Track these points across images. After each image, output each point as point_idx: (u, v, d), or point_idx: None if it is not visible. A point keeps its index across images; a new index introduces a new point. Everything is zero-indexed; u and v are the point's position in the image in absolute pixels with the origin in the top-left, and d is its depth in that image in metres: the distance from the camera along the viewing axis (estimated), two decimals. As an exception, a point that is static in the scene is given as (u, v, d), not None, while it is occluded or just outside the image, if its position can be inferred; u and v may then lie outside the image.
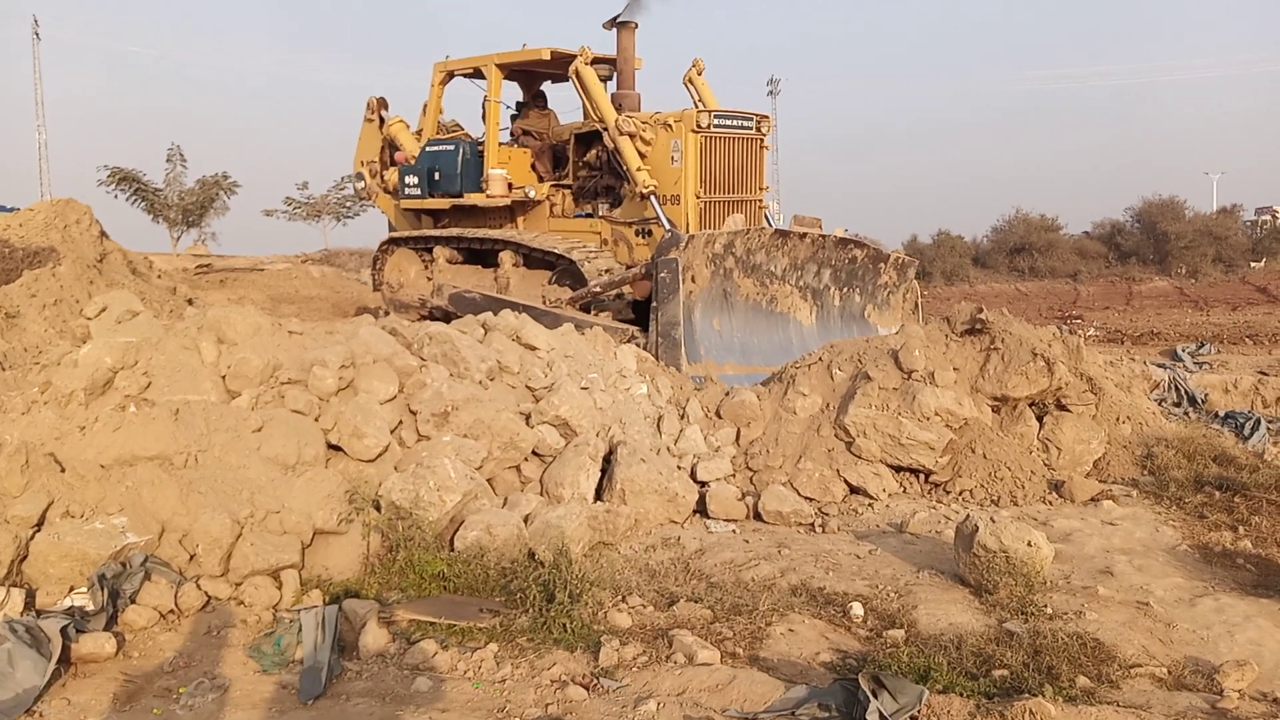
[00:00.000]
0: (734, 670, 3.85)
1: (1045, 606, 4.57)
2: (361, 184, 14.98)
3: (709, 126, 10.85)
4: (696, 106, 11.67)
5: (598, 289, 10.54)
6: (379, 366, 6.03)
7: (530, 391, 6.81)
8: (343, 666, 3.98)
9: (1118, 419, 7.48)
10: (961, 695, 3.49)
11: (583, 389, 6.92)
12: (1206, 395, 10.52)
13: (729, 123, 11.17)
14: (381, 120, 14.26)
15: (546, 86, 13.49)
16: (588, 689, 3.76)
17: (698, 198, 10.89)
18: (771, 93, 55.47)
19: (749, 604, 4.59)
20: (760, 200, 11.74)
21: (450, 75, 13.18)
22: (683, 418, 7.54)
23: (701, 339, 9.68)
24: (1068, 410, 7.27)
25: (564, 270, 11.33)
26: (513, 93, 13.53)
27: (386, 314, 12.87)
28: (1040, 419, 7.28)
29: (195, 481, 4.80)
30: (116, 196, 37.97)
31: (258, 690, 3.78)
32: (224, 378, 5.61)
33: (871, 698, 3.36)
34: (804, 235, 10.60)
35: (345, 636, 4.20)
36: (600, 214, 11.85)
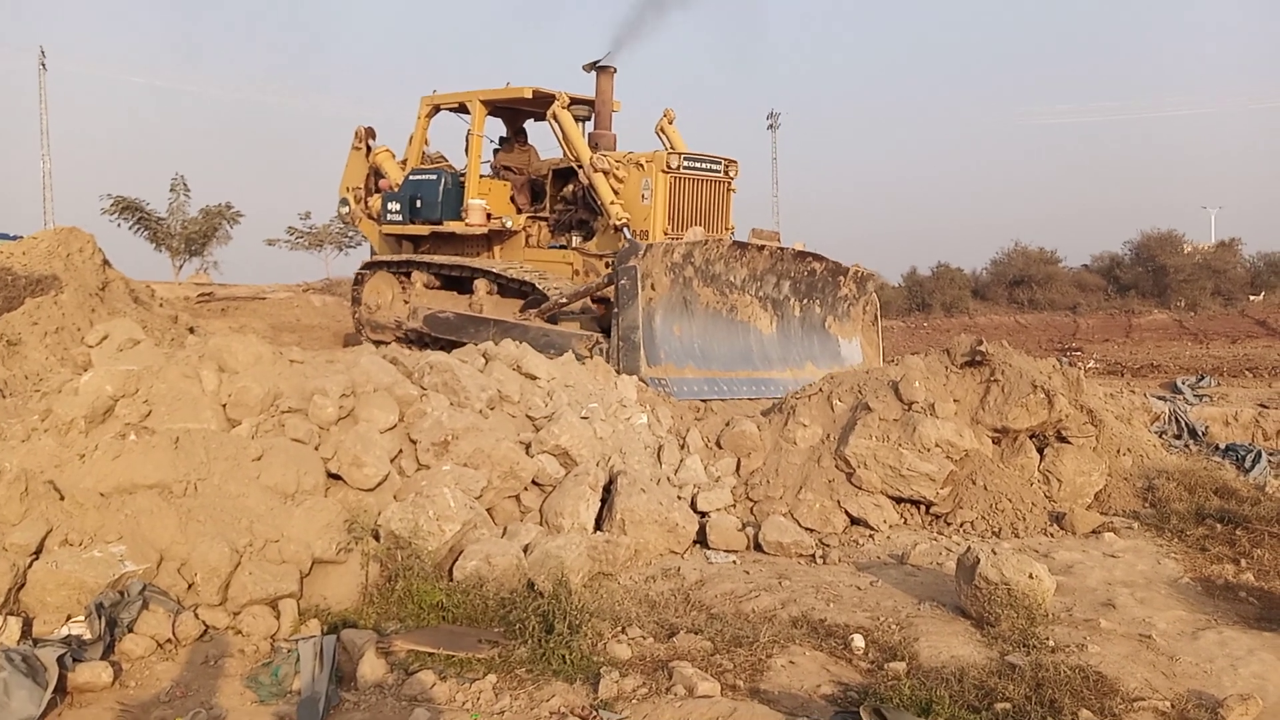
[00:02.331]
0: (734, 702, 3.82)
1: (1047, 639, 4.54)
2: (346, 209, 15.46)
3: (678, 168, 11.43)
4: (667, 149, 12.15)
5: (564, 300, 10.91)
6: (379, 395, 6.03)
7: (530, 421, 6.81)
8: (340, 697, 3.95)
9: (1118, 451, 7.48)
10: (963, 729, 3.47)
11: (583, 418, 6.92)
12: (1207, 428, 10.52)
13: (698, 165, 11.74)
14: (368, 149, 14.73)
15: (529, 124, 13.97)
16: (587, 721, 3.73)
17: (666, 234, 11.24)
18: (771, 126, 55.88)
19: (749, 635, 4.57)
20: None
21: (436, 109, 13.69)
22: (683, 448, 7.53)
23: (661, 343, 9.97)
24: (1068, 442, 7.26)
25: (534, 300, 11.66)
26: (497, 129, 14.02)
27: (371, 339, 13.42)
28: (1041, 451, 7.27)
29: (194, 510, 4.79)
30: (120, 225, 38.16)
31: (254, 721, 3.75)
32: (224, 406, 5.62)
33: (873, 731, 3.34)
34: (762, 247, 10.98)
35: (343, 667, 4.17)
36: (573, 245, 12.26)
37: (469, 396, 6.52)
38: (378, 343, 13.08)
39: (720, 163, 12.05)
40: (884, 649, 4.53)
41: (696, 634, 4.59)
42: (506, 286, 12.09)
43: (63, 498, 4.69)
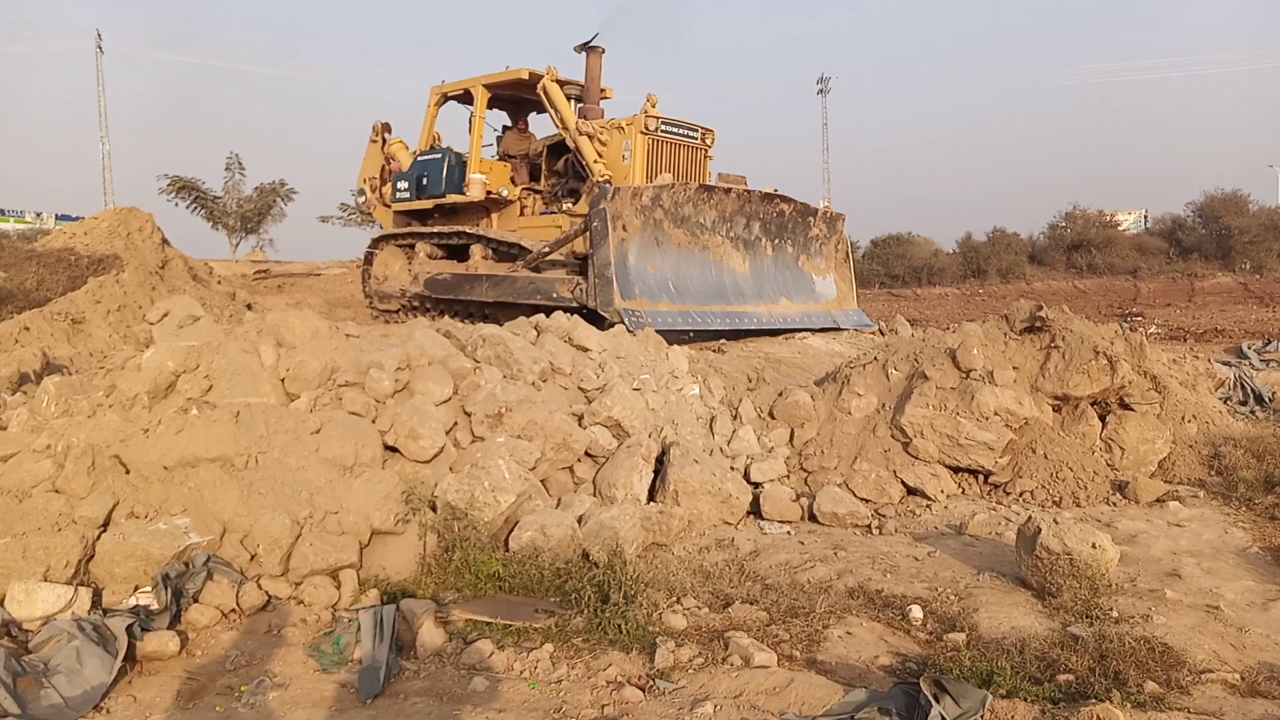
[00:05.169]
0: (791, 673, 3.80)
1: (1111, 610, 4.46)
2: (363, 199, 16.51)
3: (656, 130, 12.24)
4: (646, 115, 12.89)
5: (546, 249, 11.72)
6: (434, 369, 6.07)
7: (583, 393, 6.82)
8: (400, 666, 4.00)
9: (1183, 418, 7.30)
10: (1026, 700, 3.42)
11: (635, 390, 6.91)
12: (1274, 393, 10.23)
13: (675, 130, 12.57)
14: (384, 141, 15.75)
15: (531, 118, 14.98)
16: (644, 690, 3.74)
17: None
18: (821, 91, 55.22)
19: (805, 606, 4.54)
20: None
21: (445, 98, 14.66)
22: (735, 418, 7.50)
23: (636, 279, 10.67)
24: (1131, 409, 7.11)
25: (521, 255, 12.51)
26: (503, 120, 15.15)
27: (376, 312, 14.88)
28: (1103, 418, 7.12)
29: (255, 483, 4.87)
30: (177, 205, 38.98)
31: (317, 689, 3.81)
32: (283, 380, 5.69)
33: (933, 702, 3.30)
34: (729, 190, 11.77)
35: (403, 636, 4.23)
36: (563, 210, 13.02)
37: (522, 369, 6.54)
38: (384, 312, 14.56)
39: (697, 130, 12.86)
40: (943, 620, 4.48)
41: (752, 604, 4.58)
42: (500, 250, 12.94)
43: (128, 471, 4.79)
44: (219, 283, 14.79)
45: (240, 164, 40.53)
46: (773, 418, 7.51)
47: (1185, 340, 16.89)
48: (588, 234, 10.75)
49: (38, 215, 52.24)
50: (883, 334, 13.16)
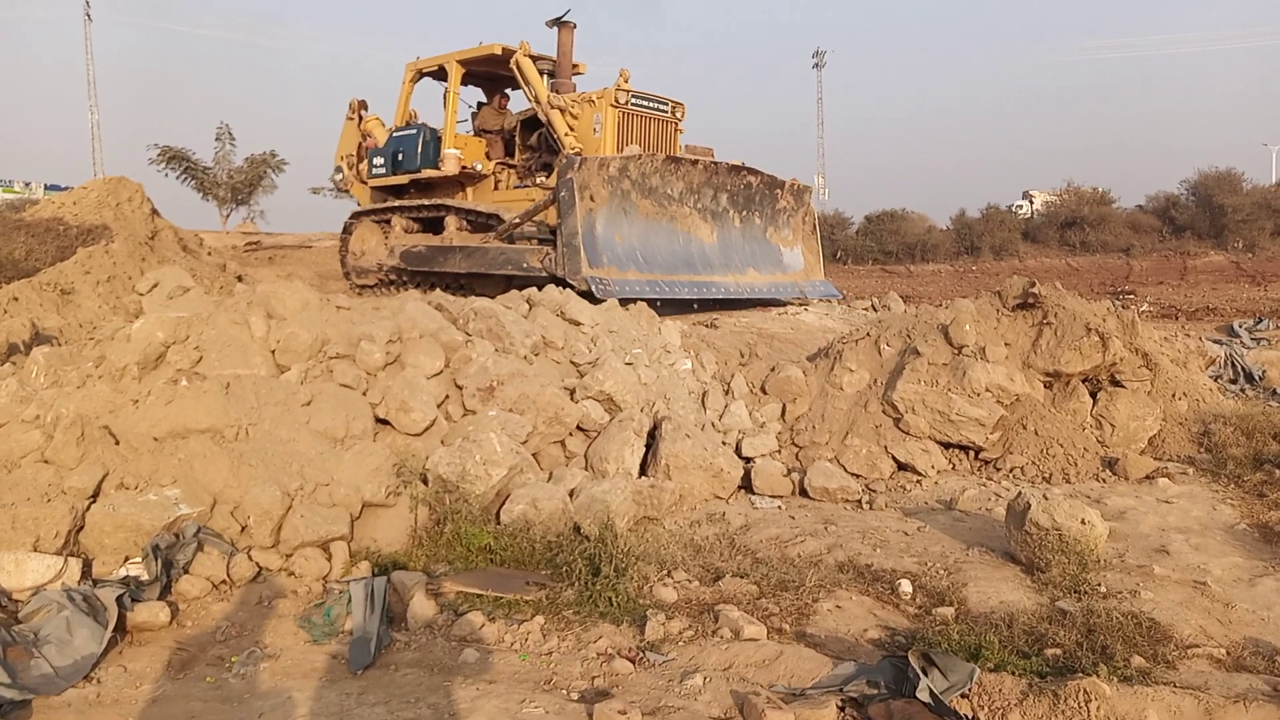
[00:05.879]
0: (781, 646, 3.82)
1: (1099, 585, 4.49)
2: (339, 176, 16.60)
3: (626, 103, 12.29)
4: (616, 88, 12.87)
5: (517, 220, 11.82)
6: (425, 341, 6.05)
7: (575, 367, 6.81)
8: (392, 637, 4.01)
9: (1173, 395, 7.32)
10: (1013, 674, 3.43)
11: (627, 364, 6.90)
12: (1264, 371, 10.27)
13: (645, 103, 12.63)
14: (360, 119, 15.74)
15: (512, 93, 14.92)
16: (634, 662, 3.75)
17: None
18: (817, 65, 54.98)
19: (795, 580, 4.56)
20: None
21: (420, 74, 14.65)
22: (728, 393, 7.50)
23: (604, 248, 10.74)
24: (1122, 386, 7.12)
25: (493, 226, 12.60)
26: (479, 96, 15.15)
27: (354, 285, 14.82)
28: (1094, 395, 7.14)
29: (246, 454, 4.86)
30: (167, 175, 38.54)
31: (308, 660, 3.82)
32: (273, 352, 5.67)
33: (921, 675, 3.32)
34: (695, 162, 11.82)
35: (394, 608, 4.23)
36: (537, 184, 13.03)
37: (514, 342, 6.52)
38: (362, 287, 14.55)
39: (667, 104, 12.94)
40: (932, 594, 4.50)
41: (742, 578, 4.60)
42: (474, 222, 13.01)
43: (118, 442, 4.77)
44: (209, 254, 14.71)
45: (230, 134, 40.05)
46: (765, 393, 7.52)
47: (1177, 318, 16.94)
48: (556, 204, 10.80)
49: (26, 185, 51.86)
50: (874, 310, 13.22)
